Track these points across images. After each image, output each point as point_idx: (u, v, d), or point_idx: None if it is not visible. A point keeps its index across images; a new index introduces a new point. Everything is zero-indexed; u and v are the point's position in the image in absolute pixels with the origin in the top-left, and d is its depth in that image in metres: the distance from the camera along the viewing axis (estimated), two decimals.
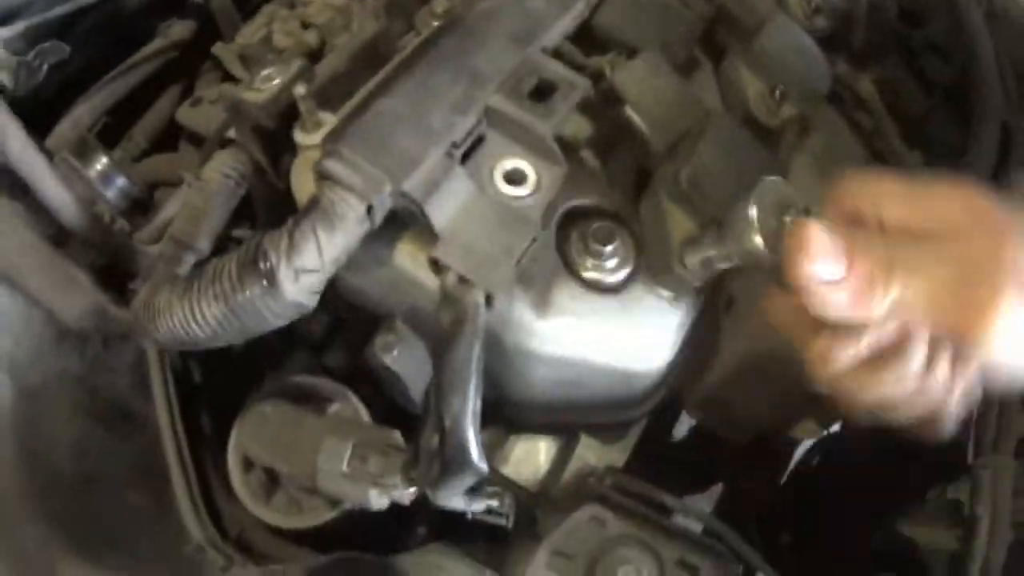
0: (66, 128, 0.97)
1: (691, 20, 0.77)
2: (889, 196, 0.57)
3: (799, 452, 1.17)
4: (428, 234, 0.61)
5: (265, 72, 0.68)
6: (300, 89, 0.65)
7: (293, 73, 0.67)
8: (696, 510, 0.79)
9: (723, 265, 0.65)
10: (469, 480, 0.61)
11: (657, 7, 0.76)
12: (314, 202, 0.60)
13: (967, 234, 0.54)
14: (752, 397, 0.97)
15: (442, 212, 0.60)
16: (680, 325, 0.71)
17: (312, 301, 0.62)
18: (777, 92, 0.79)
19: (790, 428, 1.02)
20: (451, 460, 0.59)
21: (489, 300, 0.60)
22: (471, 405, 0.59)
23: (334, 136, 0.61)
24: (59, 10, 0.93)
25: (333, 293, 0.73)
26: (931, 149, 1.08)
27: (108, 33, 1.00)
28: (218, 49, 1.01)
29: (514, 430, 0.81)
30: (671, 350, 0.71)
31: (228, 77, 1.02)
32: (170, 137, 1.04)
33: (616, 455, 0.80)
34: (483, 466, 0.60)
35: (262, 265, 0.60)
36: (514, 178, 0.64)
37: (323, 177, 0.60)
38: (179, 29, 1.06)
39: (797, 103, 0.80)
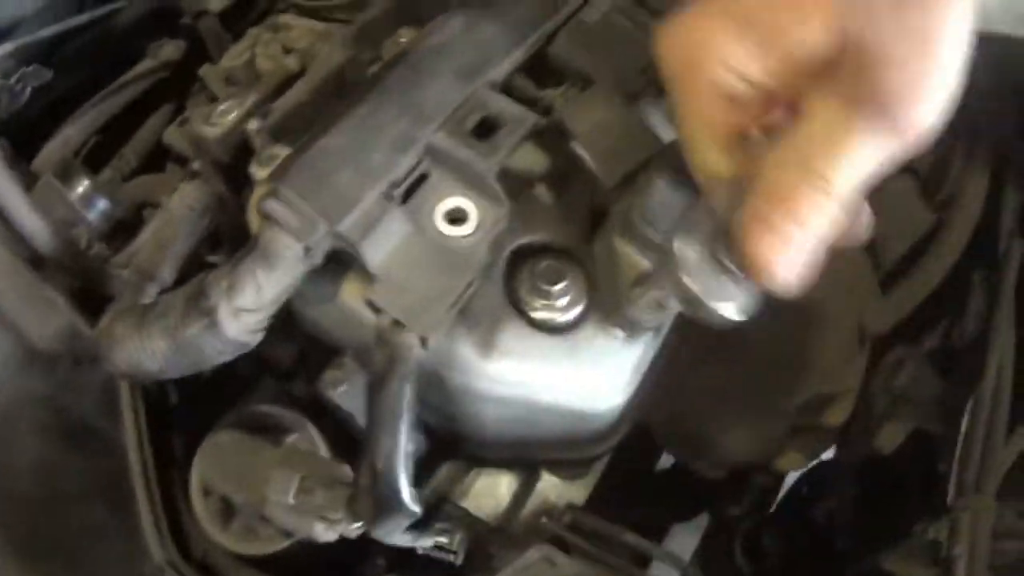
0: (54, 148, 1.00)
1: (648, 48, 0.76)
2: (735, 49, 0.47)
3: (789, 481, 1.16)
4: (367, 273, 0.62)
5: (222, 107, 0.70)
6: (253, 124, 0.67)
7: (247, 108, 0.69)
8: (658, 550, 0.79)
9: (674, 306, 0.64)
10: (403, 520, 0.62)
11: (613, 35, 0.74)
12: (254, 241, 0.61)
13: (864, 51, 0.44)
14: (729, 429, 0.97)
15: (378, 253, 0.61)
16: (635, 366, 0.70)
17: (254, 339, 0.63)
18: None
19: (770, 460, 1.01)
20: (383, 500, 0.60)
21: (424, 342, 0.60)
22: (401, 446, 0.59)
23: (276, 175, 0.62)
24: (48, 31, 0.95)
25: (296, 324, 0.74)
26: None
27: (98, 53, 1.03)
28: (204, 71, 1.03)
29: (476, 464, 0.82)
30: (625, 391, 0.70)
31: (216, 99, 1.04)
32: (161, 156, 1.06)
33: (577, 492, 0.80)
34: (414, 507, 0.60)
35: (204, 304, 0.61)
36: (456, 217, 0.64)
37: (263, 216, 0.61)
38: (169, 49, 1.08)
39: None
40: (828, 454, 1.10)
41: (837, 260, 1.07)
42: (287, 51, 0.97)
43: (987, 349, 0.90)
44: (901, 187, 1.13)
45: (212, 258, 0.84)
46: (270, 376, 0.84)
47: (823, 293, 1.04)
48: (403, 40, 0.78)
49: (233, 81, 0.99)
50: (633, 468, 0.95)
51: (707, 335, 0.87)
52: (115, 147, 1.06)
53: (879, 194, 1.12)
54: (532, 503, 0.79)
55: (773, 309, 0.98)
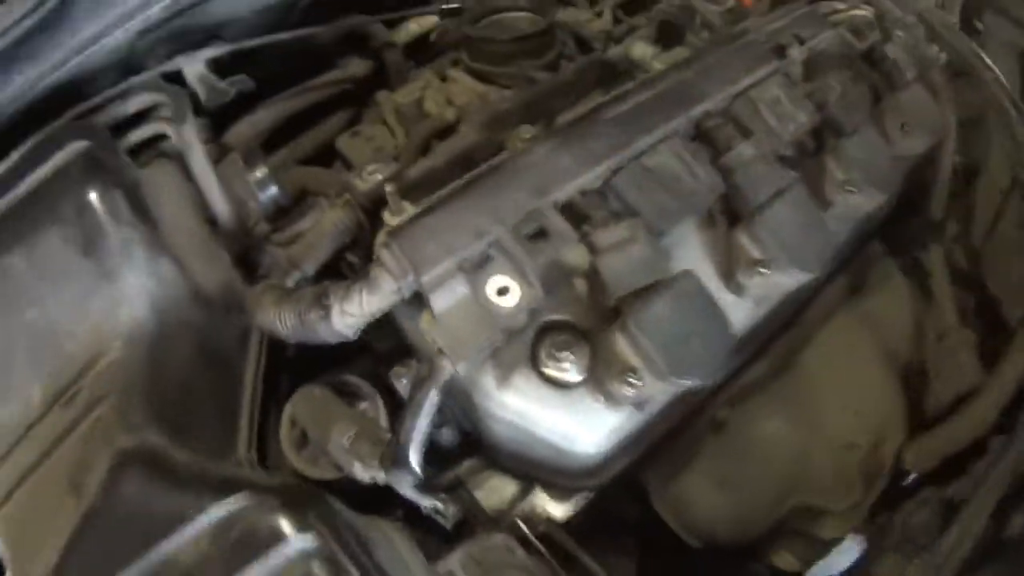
0: (243, 130, 1.61)
1: (695, 193, 1.27)
2: None
3: None
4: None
5: (371, 167, 1.29)
6: (390, 188, 1.24)
7: (388, 175, 1.27)
8: None
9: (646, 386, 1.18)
10: (408, 478, 1.18)
11: (665, 179, 1.26)
12: (367, 271, 1.19)
13: None
14: (712, 505, 1.48)
15: (441, 302, 1.16)
16: (612, 429, 1.23)
17: (353, 334, 1.21)
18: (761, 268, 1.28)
19: (748, 546, 1.50)
20: (398, 460, 1.17)
21: (454, 367, 1.16)
22: (420, 430, 1.15)
23: (393, 233, 1.19)
24: (257, 41, 1.55)
25: (391, 325, 1.32)
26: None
27: (296, 59, 1.62)
28: (381, 97, 1.63)
29: (495, 465, 1.38)
30: (599, 445, 1.24)
31: (385, 122, 1.64)
32: (328, 154, 1.67)
33: (559, 510, 1.34)
34: (417, 471, 1.16)
35: (325, 301, 1.20)
36: (502, 291, 1.19)
37: (376, 257, 1.19)
38: (356, 66, 1.69)
39: (780, 277, 1.29)
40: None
41: (874, 393, 1.60)
42: (449, 102, 1.56)
43: (961, 511, 1.35)
44: (962, 339, 1.60)
45: (350, 255, 1.44)
46: (366, 354, 1.44)
47: (849, 416, 1.52)
48: (524, 136, 1.35)
49: (402, 115, 1.59)
50: (622, 518, 1.48)
51: (714, 420, 1.40)
52: (287, 137, 1.66)
53: (939, 344, 1.64)
54: (522, 507, 1.34)
55: (787, 416, 1.50)
